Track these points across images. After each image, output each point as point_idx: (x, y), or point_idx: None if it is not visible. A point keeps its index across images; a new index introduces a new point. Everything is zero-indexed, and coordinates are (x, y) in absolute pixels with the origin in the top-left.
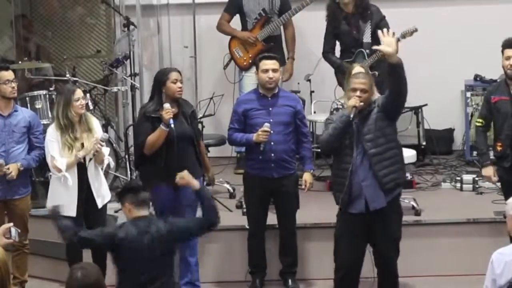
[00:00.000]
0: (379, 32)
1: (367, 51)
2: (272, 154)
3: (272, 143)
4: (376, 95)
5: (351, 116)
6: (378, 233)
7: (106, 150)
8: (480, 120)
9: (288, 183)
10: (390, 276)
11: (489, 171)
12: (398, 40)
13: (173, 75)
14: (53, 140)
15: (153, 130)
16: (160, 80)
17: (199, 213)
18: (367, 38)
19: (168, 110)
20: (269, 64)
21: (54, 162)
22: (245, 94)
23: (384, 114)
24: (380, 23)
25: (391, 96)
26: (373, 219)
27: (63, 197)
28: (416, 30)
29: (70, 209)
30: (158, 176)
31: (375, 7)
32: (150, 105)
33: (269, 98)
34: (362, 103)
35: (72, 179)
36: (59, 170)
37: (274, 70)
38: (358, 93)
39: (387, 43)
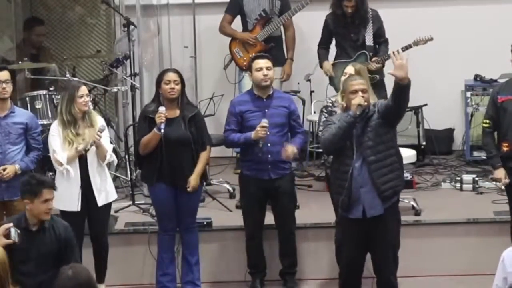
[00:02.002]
0: (391, 54)
1: (371, 53)
2: (269, 155)
3: (268, 144)
4: (375, 99)
5: (357, 113)
6: (376, 239)
7: (109, 146)
8: (487, 121)
9: (284, 183)
10: (387, 285)
11: (500, 173)
12: (407, 47)
13: (167, 76)
14: (55, 135)
15: (150, 130)
16: (157, 81)
17: (199, 214)
18: (369, 41)
19: (160, 114)
20: (262, 62)
21: (55, 155)
22: (240, 96)
23: (384, 121)
24: (379, 29)
25: (392, 109)
26: (371, 225)
27: (66, 192)
28: (431, 39)
29: (73, 204)
30: (155, 177)
31: (375, 12)
32: (150, 105)
33: (264, 100)
34: (366, 103)
35: (74, 173)
36: (60, 164)
37: (267, 68)
38: (360, 93)
39: (398, 66)
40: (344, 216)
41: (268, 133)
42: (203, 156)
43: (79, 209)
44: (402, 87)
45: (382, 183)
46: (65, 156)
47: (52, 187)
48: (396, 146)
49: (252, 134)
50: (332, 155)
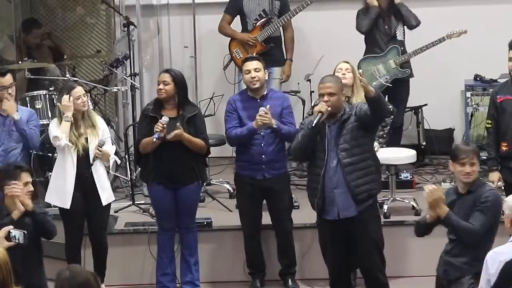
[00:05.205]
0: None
1: (402, 48)
2: (263, 156)
3: (262, 144)
4: (354, 101)
5: (314, 122)
6: (355, 239)
7: (111, 149)
8: (489, 121)
9: (279, 183)
10: (375, 283)
11: (493, 176)
12: (440, 41)
13: (159, 77)
14: (54, 124)
15: (150, 129)
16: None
17: (198, 214)
18: (400, 35)
19: (158, 124)
20: (251, 65)
21: (52, 135)
22: (235, 95)
23: (361, 125)
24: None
25: (370, 118)
26: (347, 226)
27: (60, 189)
28: (465, 32)
29: (65, 201)
30: (152, 176)
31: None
32: (150, 104)
33: (258, 100)
34: (329, 108)
35: (71, 174)
36: (58, 140)
37: (256, 70)
38: (325, 97)
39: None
40: (321, 217)
41: (263, 132)
42: (199, 139)
43: (68, 207)
44: (372, 100)
45: (356, 186)
46: (59, 131)
47: None
48: (372, 150)
49: (254, 123)
50: (304, 161)
